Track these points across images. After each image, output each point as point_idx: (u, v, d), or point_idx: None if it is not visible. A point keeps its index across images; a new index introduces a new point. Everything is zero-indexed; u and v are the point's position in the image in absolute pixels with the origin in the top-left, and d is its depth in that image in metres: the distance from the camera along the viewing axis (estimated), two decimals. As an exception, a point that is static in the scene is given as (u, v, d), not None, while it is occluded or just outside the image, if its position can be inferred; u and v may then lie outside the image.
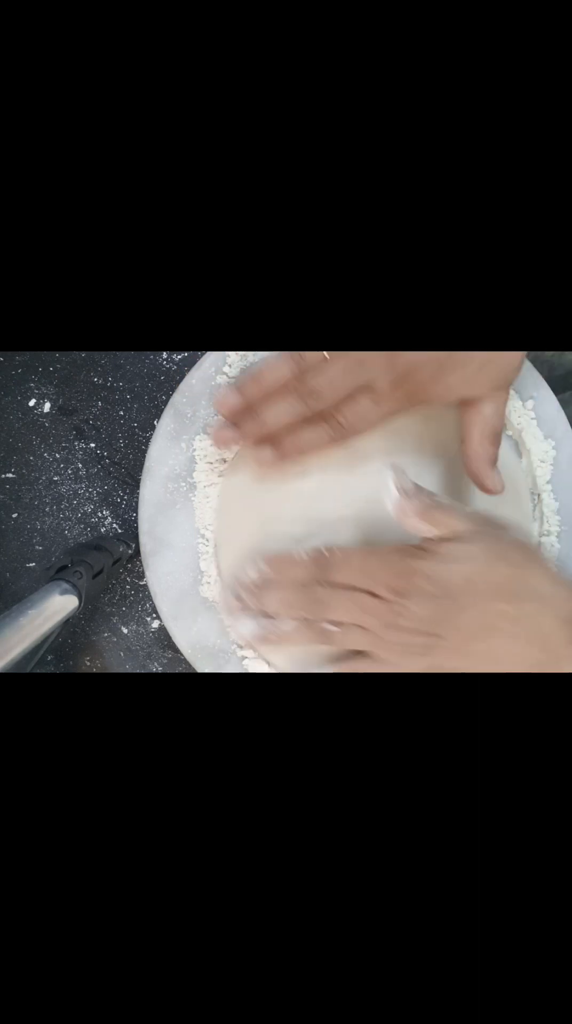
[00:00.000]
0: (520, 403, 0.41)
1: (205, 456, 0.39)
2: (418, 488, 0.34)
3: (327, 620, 0.34)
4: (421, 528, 0.34)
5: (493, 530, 0.34)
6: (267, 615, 0.36)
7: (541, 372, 0.41)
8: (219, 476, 0.39)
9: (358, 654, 0.35)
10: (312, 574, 0.35)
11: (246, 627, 0.36)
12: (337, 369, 0.34)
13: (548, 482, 0.41)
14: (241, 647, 0.39)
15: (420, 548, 0.34)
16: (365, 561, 0.34)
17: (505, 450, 0.41)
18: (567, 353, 0.46)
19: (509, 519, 0.39)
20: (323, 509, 0.39)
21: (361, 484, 0.39)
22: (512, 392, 0.41)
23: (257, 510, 0.39)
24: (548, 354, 0.45)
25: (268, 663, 0.39)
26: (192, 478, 0.39)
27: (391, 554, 0.34)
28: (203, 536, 0.39)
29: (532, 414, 0.41)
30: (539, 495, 0.41)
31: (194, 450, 0.39)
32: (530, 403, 0.41)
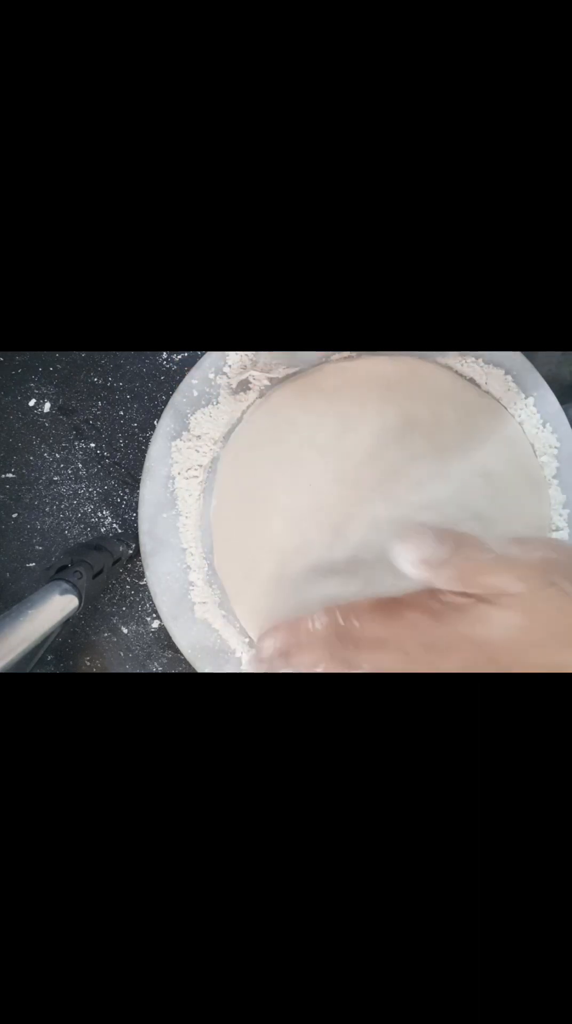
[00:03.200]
0: (522, 396, 0.41)
1: (180, 462, 0.39)
2: (450, 537, 0.28)
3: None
4: (454, 588, 0.28)
5: (548, 582, 0.27)
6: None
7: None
8: (201, 484, 0.39)
9: None
10: (333, 630, 0.31)
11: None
12: None
13: (555, 476, 0.41)
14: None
15: (449, 604, 0.28)
16: (388, 623, 0.29)
17: (522, 438, 0.41)
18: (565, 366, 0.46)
19: (526, 508, 0.39)
20: (317, 524, 0.39)
21: (355, 495, 0.39)
22: (515, 386, 0.41)
23: (249, 522, 0.39)
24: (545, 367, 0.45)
25: None
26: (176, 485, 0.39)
27: (414, 612, 0.29)
28: (188, 549, 0.39)
29: (535, 409, 0.41)
30: (548, 490, 0.41)
31: (172, 462, 0.39)
32: (531, 399, 0.41)
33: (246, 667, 0.38)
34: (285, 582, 0.38)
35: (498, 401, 0.41)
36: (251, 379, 0.39)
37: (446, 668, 0.28)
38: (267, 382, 0.39)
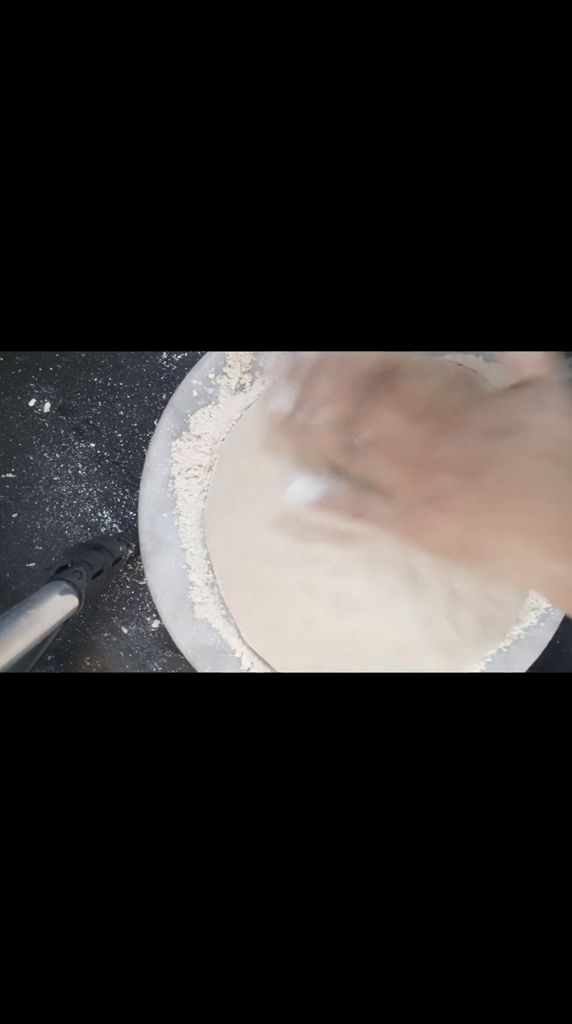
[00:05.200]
0: None
1: (180, 462, 0.39)
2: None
3: (364, 427, 0.30)
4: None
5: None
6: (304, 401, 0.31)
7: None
8: (201, 484, 0.39)
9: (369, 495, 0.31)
10: (373, 377, 0.31)
11: (282, 399, 0.32)
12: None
13: None
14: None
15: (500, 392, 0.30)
16: (432, 379, 0.30)
17: None
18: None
19: None
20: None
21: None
22: None
23: (243, 518, 0.38)
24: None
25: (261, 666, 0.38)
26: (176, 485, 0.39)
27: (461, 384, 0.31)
28: (188, 549, 0.39)
29: None
30: None
31: (172, 462, 0.39)
32: None
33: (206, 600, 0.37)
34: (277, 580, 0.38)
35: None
36: (248, 384, 0.39)
37: (467, 433, 0.29)
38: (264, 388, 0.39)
